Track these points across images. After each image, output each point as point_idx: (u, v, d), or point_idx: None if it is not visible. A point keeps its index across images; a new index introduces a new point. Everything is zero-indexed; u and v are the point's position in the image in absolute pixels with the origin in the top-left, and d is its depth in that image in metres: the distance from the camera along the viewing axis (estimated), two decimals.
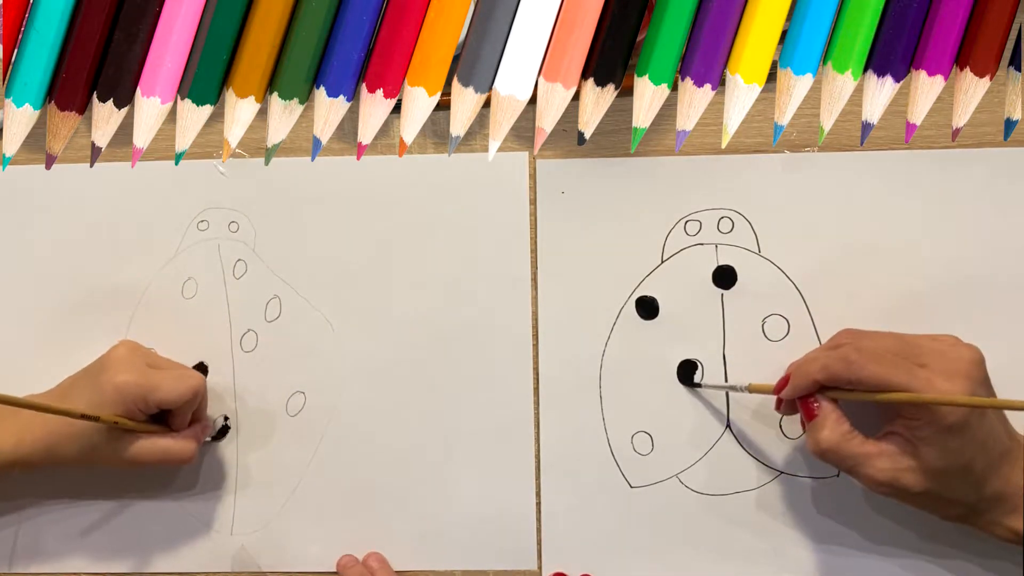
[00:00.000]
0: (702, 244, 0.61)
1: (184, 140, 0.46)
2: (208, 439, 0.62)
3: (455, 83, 0.45)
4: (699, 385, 0.60)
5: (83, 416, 0.54)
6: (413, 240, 0.62)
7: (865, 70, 0.45)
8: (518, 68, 0.45)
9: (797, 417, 0.59)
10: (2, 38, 0.44)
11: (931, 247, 0.59)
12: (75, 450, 0.56)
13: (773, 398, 0.57)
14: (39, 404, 0.53)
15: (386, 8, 0.45)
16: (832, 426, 0.51)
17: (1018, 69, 0.46)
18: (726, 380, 0.60)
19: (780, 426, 0.59)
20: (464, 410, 0.61)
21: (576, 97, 0.45)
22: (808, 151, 0.61)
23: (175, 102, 0.46)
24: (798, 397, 0.53)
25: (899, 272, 0.59)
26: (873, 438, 0.52)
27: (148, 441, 0.57)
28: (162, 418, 0.58)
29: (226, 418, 0.63)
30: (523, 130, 0.61)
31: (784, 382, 0.54)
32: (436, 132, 0.63)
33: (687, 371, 0.60)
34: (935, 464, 0.50)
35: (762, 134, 0.61)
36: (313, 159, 0.47)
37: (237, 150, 0.64)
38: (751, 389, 0.57)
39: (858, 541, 0.59)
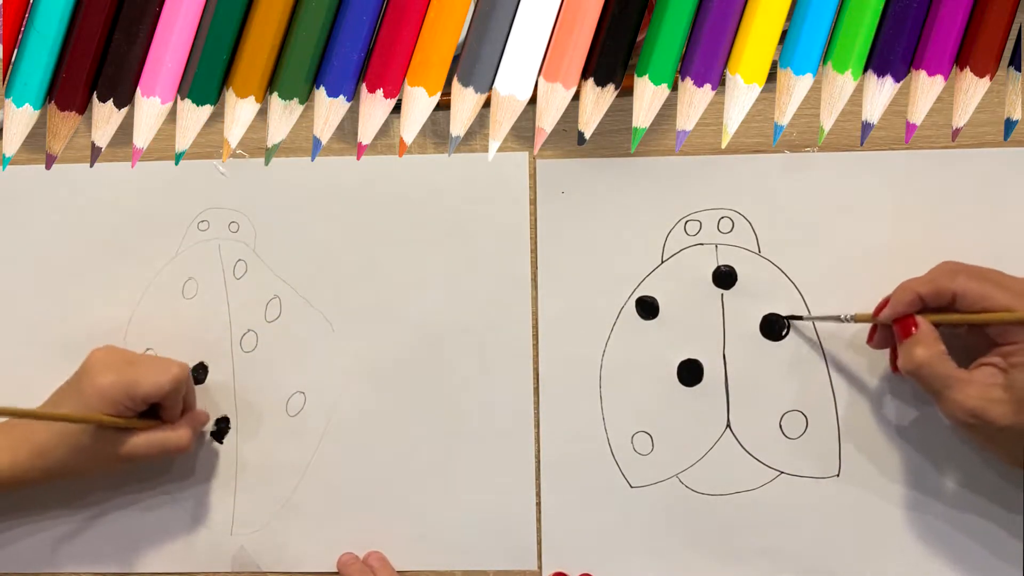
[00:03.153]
0: (702, 244, 0.61)
1: (184, 140, 0.46)
2: (209, 436, 0.62)
3: (455, 83, 0.45)
4: (799, 318, 0.59)
5: (77, 420, 0.54)
6: (413, 240, 0.62)
7: (865, 70, 0.45)
8: (518, 68, 0.45)
9: (798, 416, 0.59)
10: (2, 38, 0.44)
11: (931, 247, 0.59)
12: (71, 459, 0.56)
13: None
14: (33, 412, 0.53)
15: (386, 8, 0.45)
16: (929, 344, 0.51)
17: (1018, 69, 0.46)
18: (726, 380, 0.60)
19: (780, 426, 0.59)
20: (464, 410, 0.61)
21: (576, 97, 0.45)
22: (808, 151, 0.61)
23: (175, 102, 0.46)
24: (896, 318, 0.53)
25: (899, 272, 0.59)
26: (967, 367, 0.51)
27: (143, 436, 0.57)
28: (153, 413, 0.58)
29: (227, 419, 0.63)
30: (523, 130, 0.61)
31: (884, 304, 0.54)
32: (436, 132, 0.63)
33: (769, 323, 0.59)
34: None
35: (762, 134, 0.61)
36: (313, 159, 0.47)
37: (237, 150, 0.64)
38: (856, 319, 0.56)
39: (858, 541, 0.59)
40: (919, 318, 0.52)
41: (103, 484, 0.62)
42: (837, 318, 0.58)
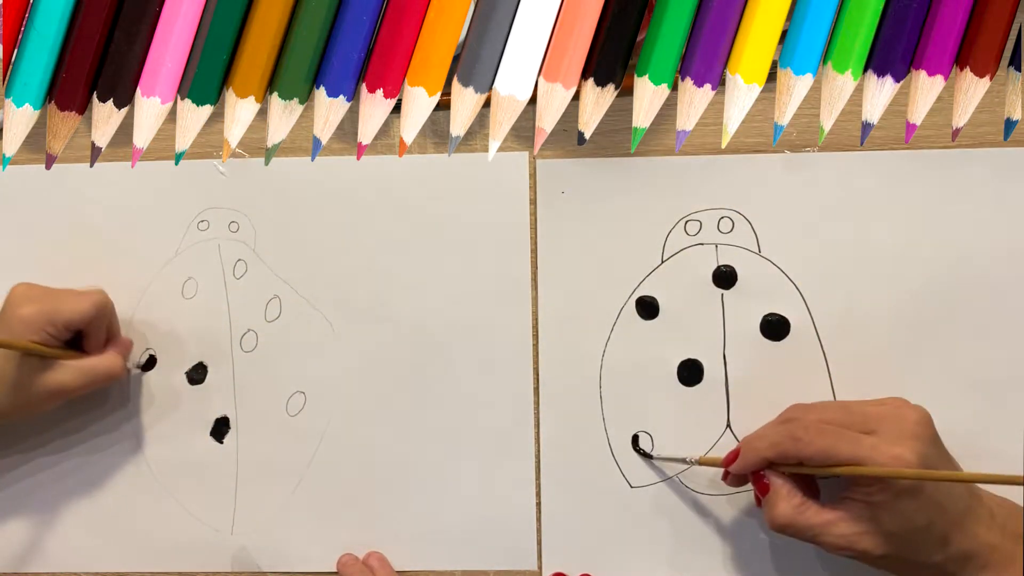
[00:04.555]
0: (702, 244, 0.61)
1: (184, 140, 0.46)
2: (136, 369, 0.62)
3: (455, 83, 0.45)
4: (651, 457, 0.59)
5: (2, 345, 0.54)
6: (413, 240, 0.62)
7: (865, 70, 0.45)
8: (518, 68, 0.45)
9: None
10: (2, 38, 0.44)
11: (931, 247, 0.59)
12: (2, 393, 0.57)
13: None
14: None
15: (386, 8, 0.45)
16: (785, 500, 0.52)
17: (1018, 69, 0.46)
18: (727, 380, 0.60)
19: None
20: (464, 410, 0.61)
21: (576, 97, 0.45)
22: (808, 151, 0.61)
23: (175, 102, 0.46)
24: (748, 472, 0.54)
25: (899, 272, 0.59)
26: (830, 503, 0.52)
27: (72, 365, 0.58)
28: (78, 348, 0.59)
29: (227, 419, 0.63)
30: (523, 130, 0.61)
31: (734, 456, 0.54)
32: (436, 132, 0.63)
33: (635, 443, 0.60)
34: (892, 528, 0.50)
35: (762, 134, 0.61)
36: (313, 159, 0.47)
37: (237, 150, 0.64)
38: (701, 462, 0.58)
39: None
40: (771, 476, 0.53)
41: (103, 483, 0.62)
42: (683, 460, 0.59)
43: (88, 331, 0.58)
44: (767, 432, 0.54)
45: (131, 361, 0.62)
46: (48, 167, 0.46)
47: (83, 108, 0.46)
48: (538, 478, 0.61)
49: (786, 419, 0.54)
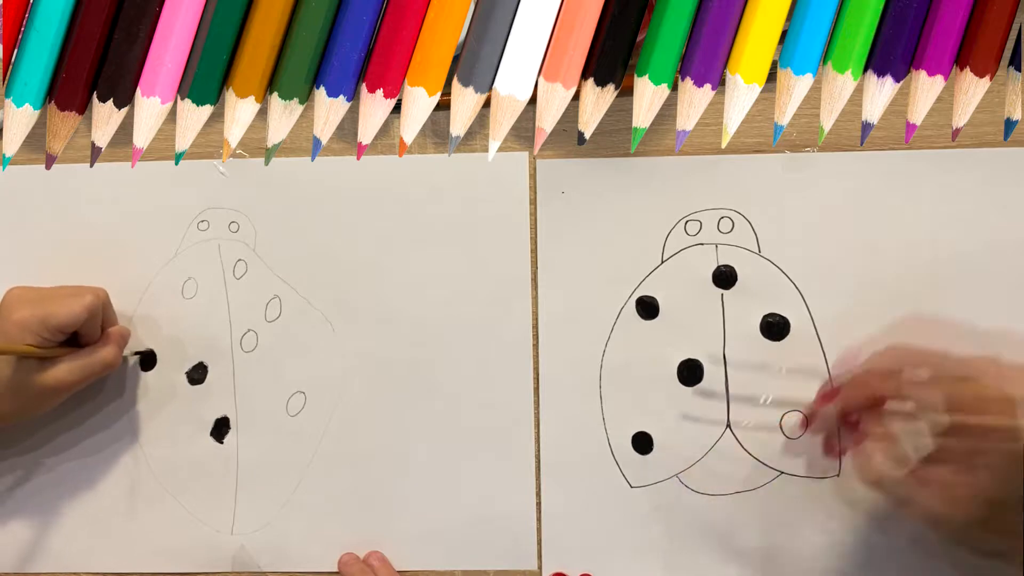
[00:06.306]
0: (702, 244, 0.61)
1: (184, 140, 0.46)
2: (133, 357, 0.63)
3: (455, 83, 0.45)
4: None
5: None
6: (413, 240, 0.62)
7: (865, 70, 0.45)
8: (518, 68, 0.45)
9: (798, 416, 0.59)
10: (2, 38, 0.44)
11: (931, 247, 0.59)
12: (3, 397, 0.57)
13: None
14: None
15: (386, 8, 0.45)
16: (882, 453, 0.48)
17: (1018, 69, 0.46)
18: (727, 380, 0.60)
19: (780, 426, 0.59)
20: (464, 410, 0.61)
21: (576, 97, 0.45)
22: (808, 151, 0.61)
23: (175, 102, 0.46)
24: (852, 407, 0.50)
25: (899, 272, 0.59)
26: (925, 458, 0.47)
27: (66, 362, 0.58)
28: (75, 344, 0.59)
29: (227, 419, 0.63)
30: (523, 130, 0.61)
31: (833, 393, 0.51)
32: (436, 132, 0.63)
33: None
34: (993, 493, 0.46)
35: (762, 134, 0.61)
36: (313, 159, 0.47)
37: (237, 150, 0.64)
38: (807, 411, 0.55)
39: (858, 541, 0.59)
40: (870, 424, 0.49)
41: (104, 482, 0.62)
42: (761, 402, 0.58)
43: (82, 330, 0.59)
44: (879, 364, 0.49)
45: (128, 349, 0.62)
46: (48, 167, 0.46)
47: (83, 108, 0.45)
48: (538, 478, 0.61)
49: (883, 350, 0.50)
